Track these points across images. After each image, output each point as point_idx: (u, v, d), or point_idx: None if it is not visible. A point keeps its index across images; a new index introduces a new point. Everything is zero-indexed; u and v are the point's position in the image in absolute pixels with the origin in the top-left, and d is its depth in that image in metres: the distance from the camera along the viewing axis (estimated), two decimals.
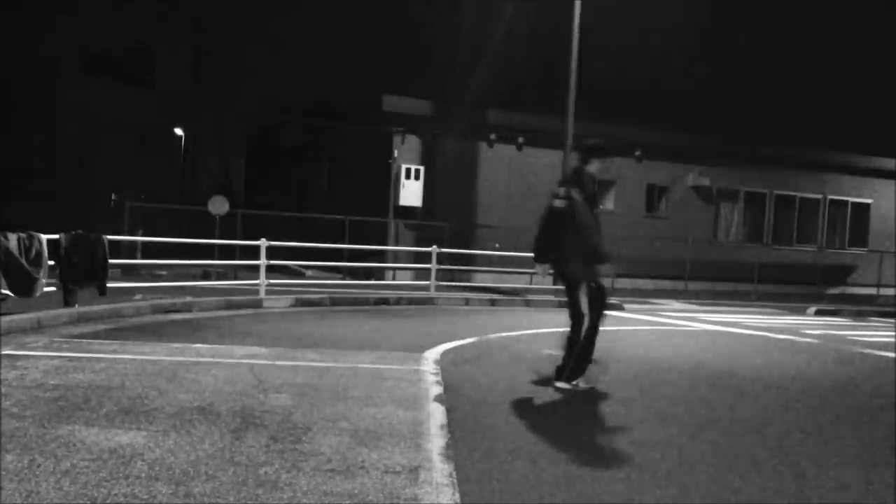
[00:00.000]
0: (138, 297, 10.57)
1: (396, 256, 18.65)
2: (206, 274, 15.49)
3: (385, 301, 12.85)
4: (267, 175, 30.28)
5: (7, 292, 8.16)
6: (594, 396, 5.93)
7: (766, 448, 4.64)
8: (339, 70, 27.31)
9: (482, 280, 18.24)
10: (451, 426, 4.61)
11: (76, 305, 8.80)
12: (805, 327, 12.84)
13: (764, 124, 27.82)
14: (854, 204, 25.35)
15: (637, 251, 20.10)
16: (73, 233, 9.13)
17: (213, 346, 7.30)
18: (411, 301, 13.27)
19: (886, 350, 10.04)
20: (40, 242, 8.53)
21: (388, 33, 25.91)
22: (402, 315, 11.46)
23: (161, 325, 8.74)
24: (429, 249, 14.72)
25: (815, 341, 10.76)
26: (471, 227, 19.28)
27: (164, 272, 15.33)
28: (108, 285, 9.53)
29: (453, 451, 4.07)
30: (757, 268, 20.91)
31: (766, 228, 24.38)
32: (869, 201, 25.52)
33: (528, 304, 14.52)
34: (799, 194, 24.59)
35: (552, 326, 10.79)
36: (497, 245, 18.08)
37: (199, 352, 6.91)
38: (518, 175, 20.12)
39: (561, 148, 16.62)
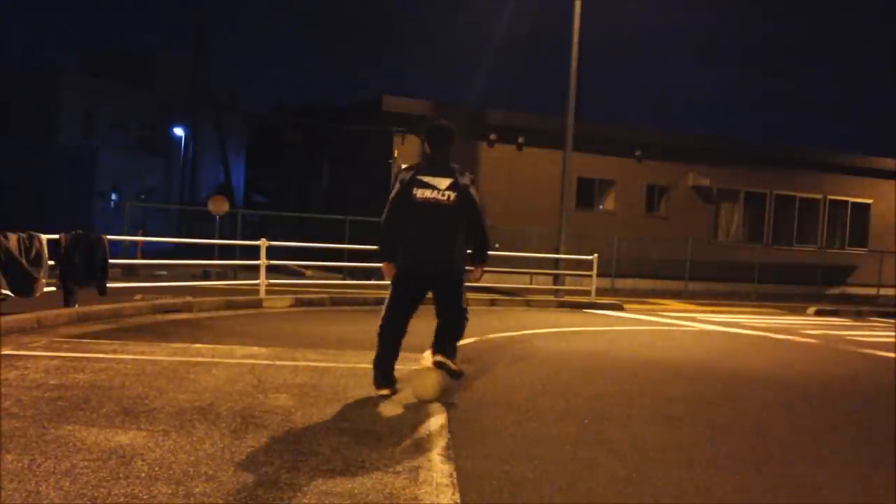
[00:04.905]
0: (138, 297, 10.56)
1: None
2: (205, 274, 15.48)
3: None
4: (267, 175, 30.33)
5: (7, 292, 8.15)
6: (603, 404, 5.92)
7: (766, 446, 4.64)
8: (339, 70, 27.41)
9: (482, 280, 18.22)
10: (451, 426, 4.61)
11: (76, 305, 8.79)
12: (805, 327, 12.84)
13: (764, 124, 27.91)
14: (854, 204, 25.34)
15: (637, 251, 20.09)
16: (73, 233, 9.12)
17: (213, 346, 7.29)
18: None
19: (886, 350, 10.03)
20: (40, 242, 8.52)
21: (387, 33, 26.00)
22: None
23: (161, 325, 8.73)
24: None
25: (815, 341, 10.76)
26: None
27: (164, 272, 15.31)
28: (108, 285, 9.53)
29: (453, 451, 4.06)
30: (757, 268, 20.91)
31: (766, 228, 24.38)
32: (869, 201, 25.51)
33: (528, 304, 14.51)
34: (799, 194, 24.59)
35: (553, 327, 10.79)
36: (497, 245, 18.10)
37: (199, 352, 6.91)
38: (518, 175, 20.11)
39: (561, 148, 16.61)
